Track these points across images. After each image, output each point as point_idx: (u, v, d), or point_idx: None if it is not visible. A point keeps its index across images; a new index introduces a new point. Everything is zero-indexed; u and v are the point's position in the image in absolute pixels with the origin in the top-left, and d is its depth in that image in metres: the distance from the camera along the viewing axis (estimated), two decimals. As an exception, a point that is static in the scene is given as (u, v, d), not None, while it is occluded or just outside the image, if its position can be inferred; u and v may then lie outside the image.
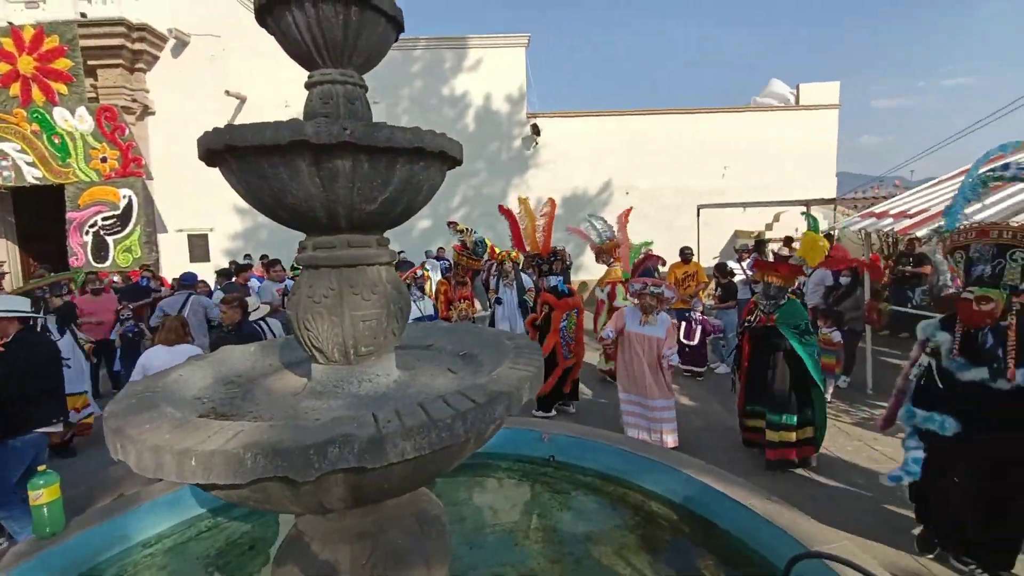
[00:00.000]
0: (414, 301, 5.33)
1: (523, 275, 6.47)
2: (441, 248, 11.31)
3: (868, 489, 3.65)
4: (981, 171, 3.13)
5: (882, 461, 4.04)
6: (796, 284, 5.49)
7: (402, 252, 11.84)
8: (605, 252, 6.42)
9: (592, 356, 6.42)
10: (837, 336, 5.31)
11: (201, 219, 12.78)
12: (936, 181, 6.26)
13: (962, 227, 2.87)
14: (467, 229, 6.77)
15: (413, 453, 1.19)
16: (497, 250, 7.64)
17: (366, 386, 1.64)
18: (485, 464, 3.23)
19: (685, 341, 6.18)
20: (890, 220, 5.48)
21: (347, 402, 1.56)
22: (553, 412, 5.13)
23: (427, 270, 8.38)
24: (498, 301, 6.42)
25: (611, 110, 13.61)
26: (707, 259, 10.33)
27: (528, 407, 5.17)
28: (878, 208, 6.06)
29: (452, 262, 6.75)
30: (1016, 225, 2.67)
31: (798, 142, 13.13)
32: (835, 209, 9.74)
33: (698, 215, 9.65)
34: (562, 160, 13.39)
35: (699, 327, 6.17)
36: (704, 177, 13.16)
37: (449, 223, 9.25)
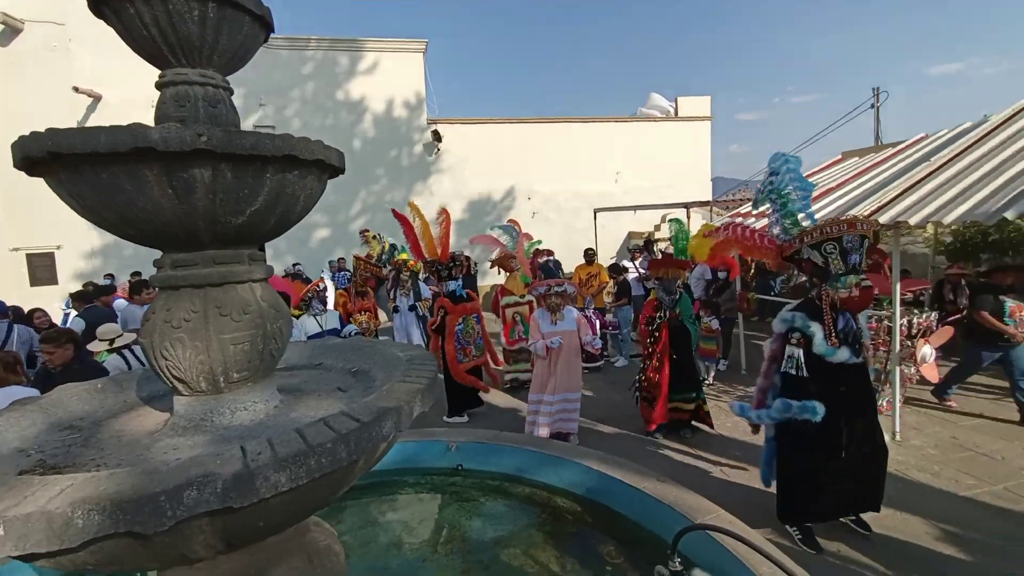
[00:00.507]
0: (315, 315, 5.01)
1: (421, 284, 6.37)
2: (342, 259, 10.79)
3: (746, 461, 4.09)
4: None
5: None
6: (684, 278, 6.04)
7: (298, 264, 11.12)
8: (506, 259, 6.48)
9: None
10: (716, 324, 5.90)
11: (45, 235, 10.95)
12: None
13: (829, 220, 3.10)
14: (378, 236, 6.52)
15: (289, 485, 1.11)
16: (405, 257, 7.47)
17: (240, 416, 1.50)
18: (391, 481, 3.12)
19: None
20: (753, 219, 6.21)
21: (216, 436, 1.41)
22: (466, 417, 5.11)
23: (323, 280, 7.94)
24: (395, 310, 6.28)
25: (510, 117, 13.95)
26: (606, 259, 10.95)
27: (440, 413, 5.10)
28: (744, 209, 6.85)
29: (352, 272, 6.44)
30: (870, 220, 3.13)
31: (678, 150, 14.45)
32: (711, 210, 10.83)
33: (595, 218, 10.20)
34: (464, 166, 13.44)
35: (597, 322, 6.53)
36: (599, 182, 13.97)
37: (361, 232, 8.84)
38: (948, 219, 3.98)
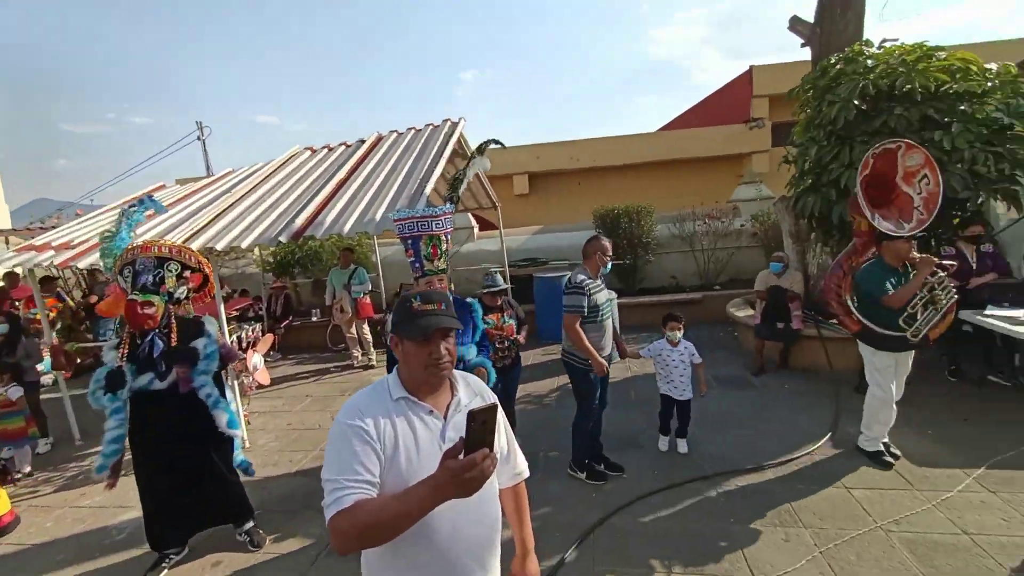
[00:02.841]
0: None
1: None
2: None
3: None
4: (129, 209, 3.52)
5: (87, 521, 3.68)
6: None
7: None
8: None
9: None
10: (16, 392, 4.33)
11: None
12: (101, 211, 6.29)
13: (129, 247, 3.03)
14: None
15: None
16: None
17: None
18: None
19: None
20: (52, 252, 4.94)
21: None
22: None
23: None
24: None
25: None
26: None
27: None
28: (39, 240, 5.34)
29: None
30: (170, 243, 3.08)
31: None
32: (7, 241, 8.00)
33: None
34: None
35: None
36: None
37: None
38: (245, 244, 4.57)
